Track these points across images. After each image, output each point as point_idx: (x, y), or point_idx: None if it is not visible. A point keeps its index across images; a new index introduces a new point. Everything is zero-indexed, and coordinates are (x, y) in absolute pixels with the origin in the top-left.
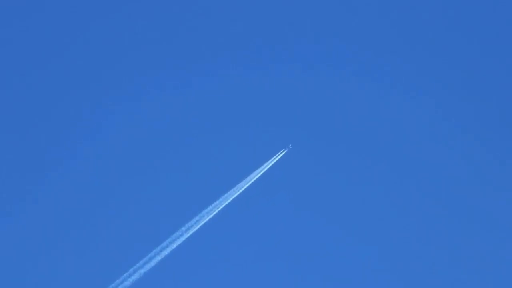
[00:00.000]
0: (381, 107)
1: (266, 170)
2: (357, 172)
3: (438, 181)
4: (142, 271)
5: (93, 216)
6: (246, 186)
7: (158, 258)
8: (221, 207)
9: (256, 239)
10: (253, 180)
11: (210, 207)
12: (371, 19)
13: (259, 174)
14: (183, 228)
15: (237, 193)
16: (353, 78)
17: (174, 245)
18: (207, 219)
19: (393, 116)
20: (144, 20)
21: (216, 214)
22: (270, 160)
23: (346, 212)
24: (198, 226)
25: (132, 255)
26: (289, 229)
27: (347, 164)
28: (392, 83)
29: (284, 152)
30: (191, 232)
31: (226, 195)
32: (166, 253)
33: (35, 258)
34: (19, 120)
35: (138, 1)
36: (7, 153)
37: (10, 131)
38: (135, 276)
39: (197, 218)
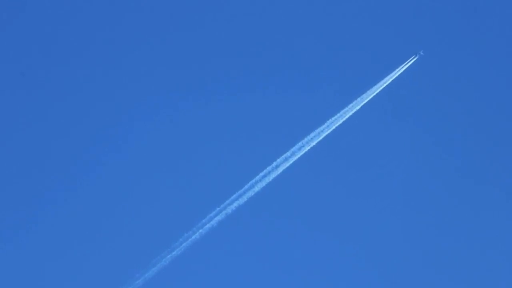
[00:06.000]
0: None
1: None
2: None
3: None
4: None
5: (101, 219)
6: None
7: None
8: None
9: None
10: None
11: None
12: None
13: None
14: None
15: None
16: None
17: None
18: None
19: None
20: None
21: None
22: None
23: None
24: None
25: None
26: None
27: None
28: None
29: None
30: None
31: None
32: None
33: (39, 259)
34: (36, 127)
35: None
36: (22, 157)
37: (30, 138)
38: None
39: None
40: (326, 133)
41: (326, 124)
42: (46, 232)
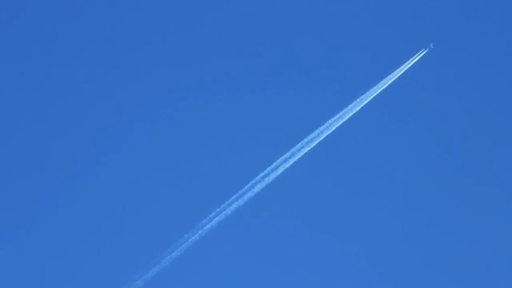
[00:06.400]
0: None
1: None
2: None
3: None
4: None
5: (100, 219)
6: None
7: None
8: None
9: None
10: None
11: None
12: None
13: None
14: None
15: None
16: None
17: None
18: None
19: None
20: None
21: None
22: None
23: None
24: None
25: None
26: None
27: None
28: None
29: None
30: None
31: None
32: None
33: (39, 259)
34: (36, 127)
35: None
36: (22, 157)
37: (30, 138)
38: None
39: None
40: (326, 133)
41: (326, 125)
42: (46, 232)
